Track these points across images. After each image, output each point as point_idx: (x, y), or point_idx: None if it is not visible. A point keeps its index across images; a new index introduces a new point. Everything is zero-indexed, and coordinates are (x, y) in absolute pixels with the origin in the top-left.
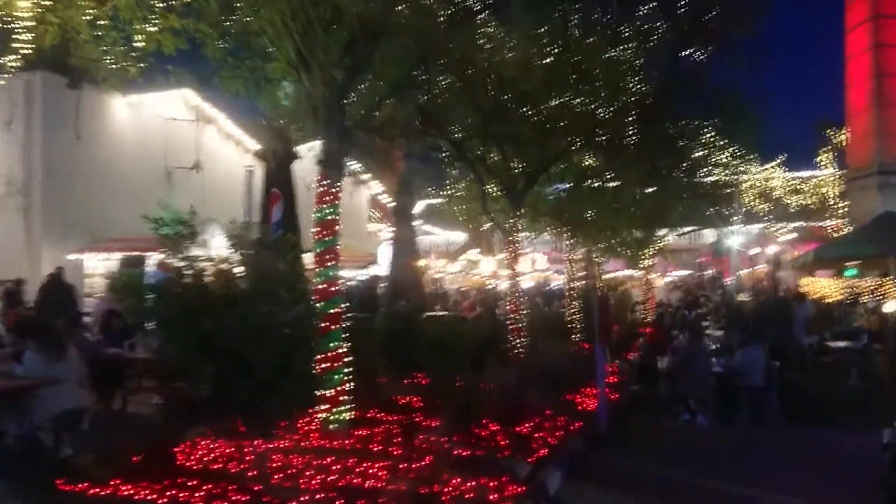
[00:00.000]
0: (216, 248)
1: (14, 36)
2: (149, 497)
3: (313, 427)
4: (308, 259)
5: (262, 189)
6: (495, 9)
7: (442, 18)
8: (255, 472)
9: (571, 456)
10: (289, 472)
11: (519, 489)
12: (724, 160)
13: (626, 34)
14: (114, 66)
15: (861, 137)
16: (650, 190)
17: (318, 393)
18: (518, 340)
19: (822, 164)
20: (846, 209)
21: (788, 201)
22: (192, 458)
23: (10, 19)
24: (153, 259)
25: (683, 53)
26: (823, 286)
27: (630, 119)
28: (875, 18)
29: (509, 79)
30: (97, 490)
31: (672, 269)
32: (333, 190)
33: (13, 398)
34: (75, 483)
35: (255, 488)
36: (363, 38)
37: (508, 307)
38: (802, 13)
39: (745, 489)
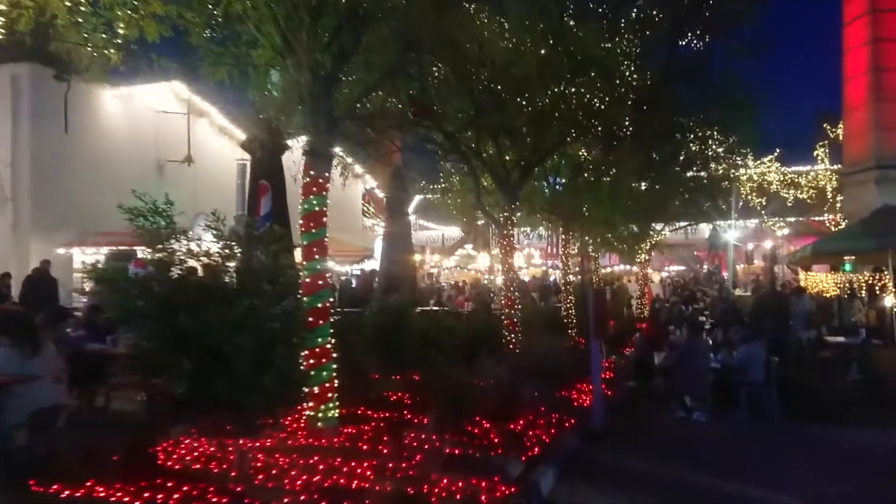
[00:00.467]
0: (208, 241)
1: None
2: (124, 499)
3: (300, 425)
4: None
5: (249, 181)
6: None
7: (432, 1)
8: (236, 473)
9: (565, 454)
10: (272, 472)
11: (510, 489)
12: (721, 152)
13: (623, 22)
14: (95, 54)
15: (858, 132)
16: (647, 182)
17: (304, 390)
18: (512, 335)
19: (819, 158)
20: (843, 203)
21: (785, 195)
22: (174, 457)
23: None
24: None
25: (682, 42)
26: (820, 280)
27: (627, 109)
28: (873, 12)
29: (502, 65)
30: (71, 491)
31: (668, 264)
32: (320, 181)
33: None
34: (48, 484)
35: (237, 489)
36: (350, 23)
37: (503, 302)
38: (801, 6)
39: (745, 488)
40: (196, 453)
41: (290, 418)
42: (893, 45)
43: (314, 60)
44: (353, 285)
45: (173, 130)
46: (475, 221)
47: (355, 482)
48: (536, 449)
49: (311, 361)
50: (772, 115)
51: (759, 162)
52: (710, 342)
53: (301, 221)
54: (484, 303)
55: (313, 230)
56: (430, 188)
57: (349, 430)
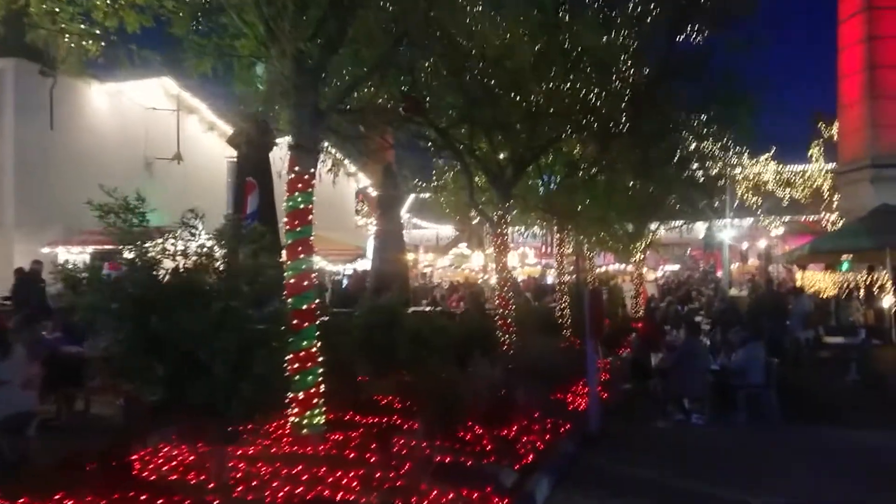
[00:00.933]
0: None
1: None
2: None
3: (285, 431)
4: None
5: (235, 177)
6: None
7: None
8: (214, 484)
9: (561, 461)
10: (253, 483)
11: (504, 501)
12: (718, 149)
13: (616, 15)
14: (73, 45)
15: (853, 129)
16: (643, 180)
17: (289, 395)
18: (507, 336)
19: (814, 157)
20: (838, 202)
21: (781, 194)
22: (150, 466)
23: None
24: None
25: (679, 39)
26: (818, 280)
27: (623, 104)
28: (868, 10)
29: (495, 57)
30: None
31: (663, 263)
32: (306, 177)
33: None
34: (16, 495)
35: (214, 502)
36: (336, 12)
37: (497, 301)
38: (796, 4)
39: (746, 494)
40: (174, 462)
41: (274, 425)
42: (888, 43)
43: (299, 50)
44: (345, 285)
45: (163, 127)
46: (469, 220)
47: (340, 494)
48: (531, 456)
49: (296, 365)
50: (768, 112)
51: (754, 160)
52: (709, 343)
53: (286, 219)
54: (477, 302)
55: (298, 228)
56: (423, 186)
57: (336, 436)
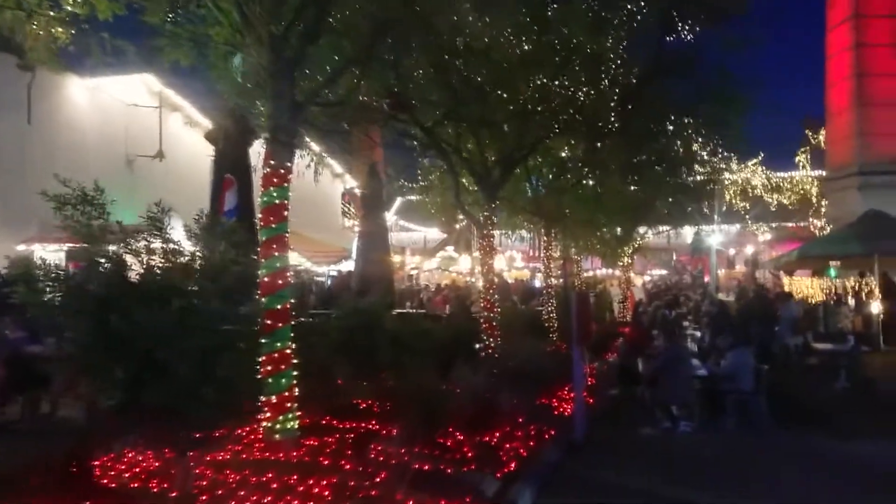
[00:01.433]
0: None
1: None
2: None
3: (257, 437)
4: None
5: (213, 174)
6: None
7: None
8: (177, 493)
9: (544, 469)
10: (218, 491)
11: None
12: (707, 152)
13: (608, 11)
14: (41, 32)
15: (841, 137)
16: (632, 182)
17: (259, 399)
18: (491, 340)
19: (801, 164)
20: (826, 208)
21: (769, 200)
22: (111, 473)
23: None
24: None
25: (670, 39)
26: (806, 286)
27: (613, 103)
28: (856, 18)
29: (481, 52)
30: None
31: (650, 268)
32: (282, 171)
33: None
34: None
35: None
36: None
37: (482, 304)
38: (785, 10)
39: (736, 501)
40: (138, 468)
41: (246, 430)
42: (876, 50)
43: (275, 38)
44: (328, 286)
45: (144, 125)
46: (455, 221)
47: (311, 503)
48: (514, 463)
49: (269, 368)
50: (759, 113)
51: (743, 165)
52: (697, 348)
53: (261, 215)
54: (462, 305)
55: (273, 225)
56: (409, 187)
57: (310, 442)
